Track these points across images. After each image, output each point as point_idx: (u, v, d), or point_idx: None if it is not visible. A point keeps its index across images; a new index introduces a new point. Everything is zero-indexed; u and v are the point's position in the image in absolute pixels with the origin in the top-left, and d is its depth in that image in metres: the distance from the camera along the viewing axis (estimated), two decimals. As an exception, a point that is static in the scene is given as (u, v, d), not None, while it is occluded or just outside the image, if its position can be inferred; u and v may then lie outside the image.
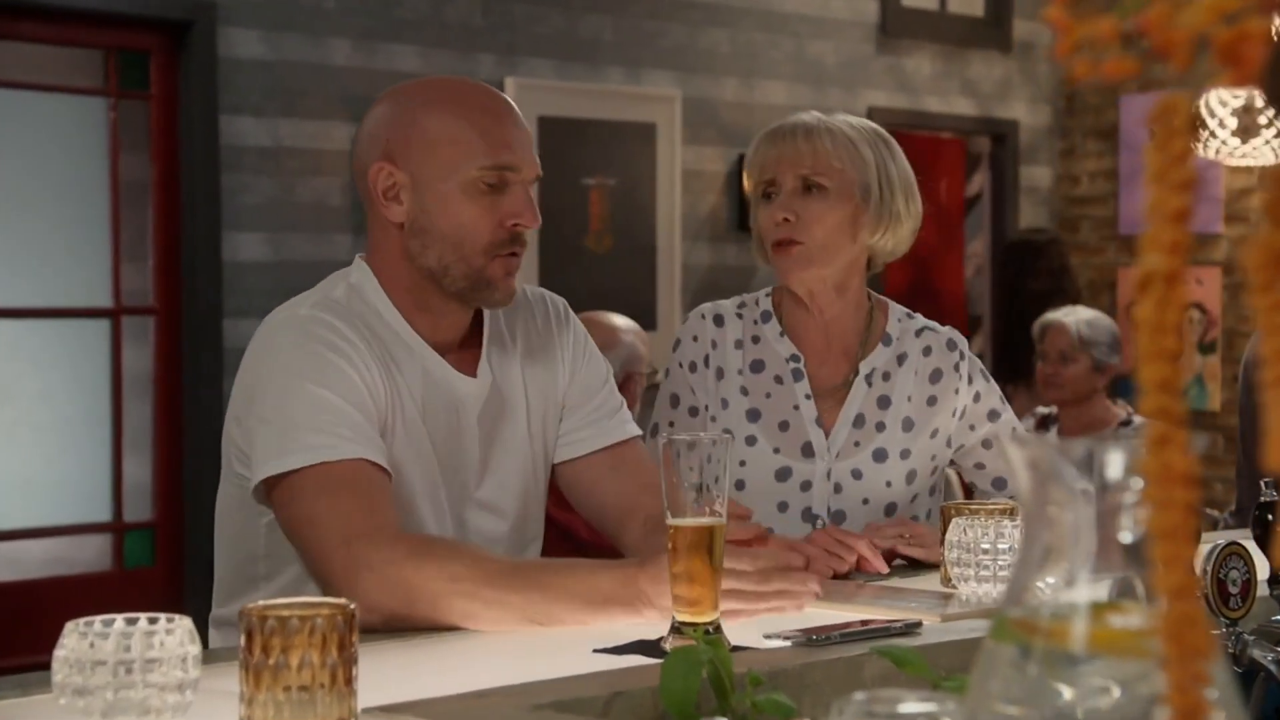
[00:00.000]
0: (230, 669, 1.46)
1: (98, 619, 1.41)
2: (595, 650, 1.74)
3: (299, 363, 1.92)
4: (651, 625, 1.82)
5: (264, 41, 5.27)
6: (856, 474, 2.43)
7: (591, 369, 2.20)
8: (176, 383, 5.18)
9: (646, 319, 5.96)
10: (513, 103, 2.07)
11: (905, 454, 2.44)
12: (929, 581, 2.20)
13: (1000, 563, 2.01)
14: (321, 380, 1.91)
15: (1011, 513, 2.14)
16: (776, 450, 2.42)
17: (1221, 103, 5.86)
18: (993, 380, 2.53)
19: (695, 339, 2.47)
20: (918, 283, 6.92)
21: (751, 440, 2.43)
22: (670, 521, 1.76)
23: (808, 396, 2.44)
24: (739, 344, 2.47)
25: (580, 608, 1.83)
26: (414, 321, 2.04)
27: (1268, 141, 5.81)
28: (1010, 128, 7.36)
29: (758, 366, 2.46)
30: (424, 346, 2.04)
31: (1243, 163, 6.02)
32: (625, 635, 1.79)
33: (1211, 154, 5.93)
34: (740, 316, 2.49)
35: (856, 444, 2.43)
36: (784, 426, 2.43)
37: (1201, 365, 7.13)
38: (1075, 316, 4.28)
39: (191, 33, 5.12)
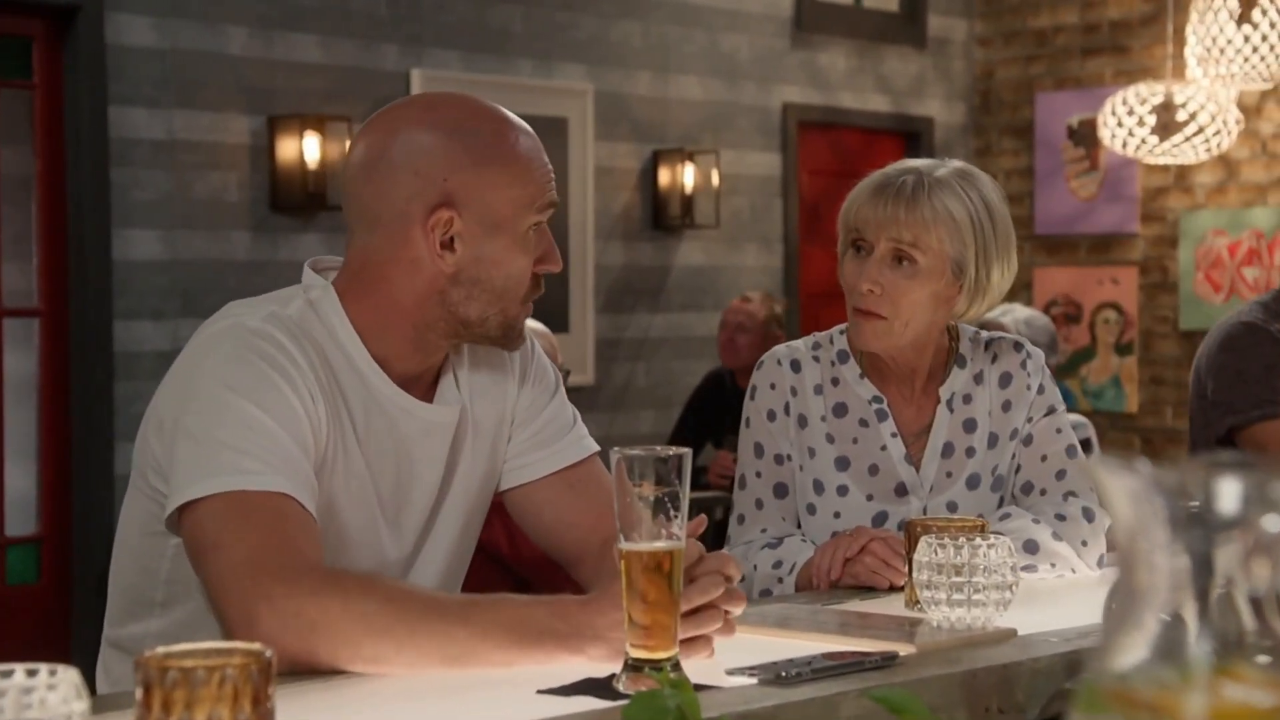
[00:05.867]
0: (124, 722, 1.27)
1: (-37, 672, 1.19)
2: (540, 691, 1.56)
3: (237, 377, 1.75)
4: (594, 665, 1.63)
5: (155, 28, 5.03)
6: (952, 507, 2.34)
7: (539, 380, 2.02)
8: (64, 388, 4.95)
9: (558, 320, 5.78)
10: None
11: (994, 470, 2.37)
12: (893, 604, 2.04)
13: (975, 583, 1.86)
14: (258, 400, 1.74)
15: (983, 530, 1.99)
16: (870, 497, 2.34)
17: (1140, 100, 5.78)
18: (1054, 381, 2.46)
19: (773, 386, 2.38)
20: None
21: (843, 490, 2.35)
22: (623, 546, 1.58)
23: (894, 435, 2.36)
24: (819, 389, 2.38)
25: (510, 644, 1.64)
26: (386, 361, 1.86)
27: (1188, 138, 5.74)
28: (925, 125, 7.27)
29: (840, 411, 2.38)
30: (382, 377, 1.86)
31: (1161, 160, 5.96)
32: (570, 674, 1.61)
33: (1131, 152, 5.85)
34: (816, 359, 2.39)
35: (949, 475, 2.36)
36: (874, 470, 2.35)
37: (1119, 366, 7.07)
38: (1013, 315, 4.17)
39: (77, 18, 4.89)
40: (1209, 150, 5.78)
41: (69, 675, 1.23)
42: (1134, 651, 0.77)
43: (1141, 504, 0.76)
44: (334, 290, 1.86)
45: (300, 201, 5.28)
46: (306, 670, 1.62)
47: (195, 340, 1.82)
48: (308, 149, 5.26)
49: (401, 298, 1.83)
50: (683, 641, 1.60)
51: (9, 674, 1.21)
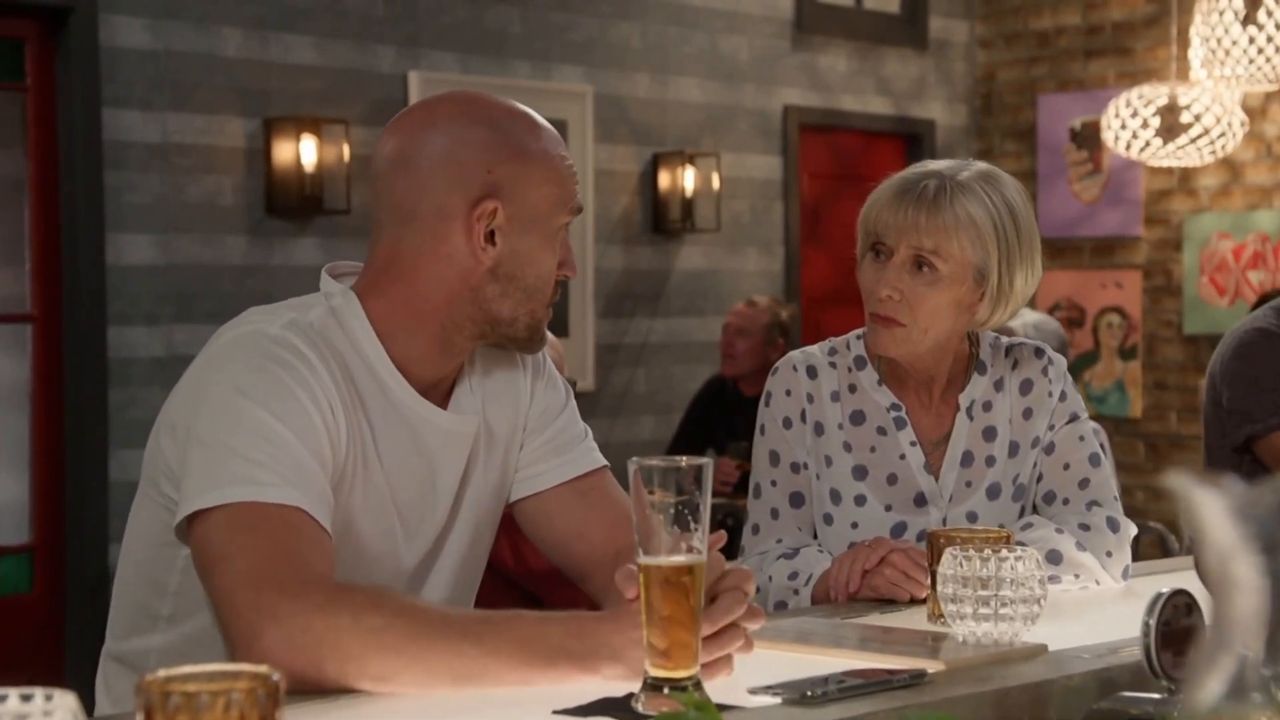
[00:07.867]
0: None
1: (-45, 698, 1.13)
2: (555, 712, 1.51)
3: (253, 384, 1.70)
4: (611, 683, 1.57)
5: (149, 30, 4.97)
6: (972, 517, 2.28)
7: (550, 388, 1.97)
8: (57, 395, 4.89)
9: (558, 325, 5.72)
10: None
11: (1015, 479, 2.31)
12: (914, 618, 1.98)
13: (1002, 597, 1.79)
14: (274, 409, 1.68)
15: (1008, 541, 1.93)
16: (888, 507, 2.29)
17: (1144, 102, 5.73)
18: (1075, 387, 2.40)
19: (788, 393, 2.32)
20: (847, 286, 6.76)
21: (861, 500, 2.30)
22: (642, 560, 1.52)
23: (913, 443, 2.30)
24: (835, 396, 2.32)
25: (522, 663, 1.58)
26: (408, 366, 1.81)
27: (1192, 141, 5.69)
28: (926, 127, 7.21)
29: (858, 418, 2.32)
30: (404, 386, 1.82)
31: (1165, 163, 5.90)
32: (586, 693, 1.55)
33: (1135, 154, 5.80)
34: (833, 365, 2.33)
35: (968, 484, 2.30)
36: (892, 480, 2.30)
37: (1123, 371, 7.02)
38: (1022, 319, 4.12)
39: (70, 19, 4.84)
40: (1213, 153, 5.73)
41: (66, 700, 1.17)
42: (1226, 683, 0.71)
43: (1236, 527, 0.71)
44: (355, 294, 1.81)
45: (296, 205, 5.21)
46: (312, 689, 1.56)
47: (212, 346, 1.76)
48: (304, 152, 5.20)
49: (431, 294, 1.79)
50: (704, 663, 1.54)
51: (2, 699, 1.15)
